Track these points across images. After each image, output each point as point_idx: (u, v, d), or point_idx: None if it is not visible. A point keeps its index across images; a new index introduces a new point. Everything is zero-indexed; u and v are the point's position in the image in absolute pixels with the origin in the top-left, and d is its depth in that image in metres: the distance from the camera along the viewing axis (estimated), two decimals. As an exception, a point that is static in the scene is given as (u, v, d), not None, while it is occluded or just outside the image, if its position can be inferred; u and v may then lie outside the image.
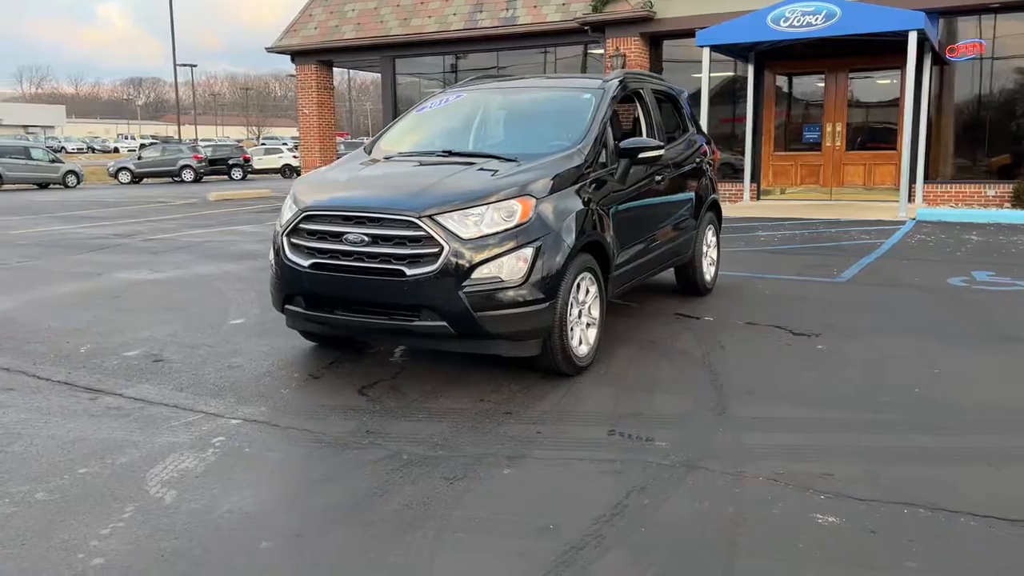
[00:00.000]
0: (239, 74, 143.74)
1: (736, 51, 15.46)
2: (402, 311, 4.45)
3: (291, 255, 4.70)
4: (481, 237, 4.37)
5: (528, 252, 4.42)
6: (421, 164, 5.16)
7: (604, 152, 5.27)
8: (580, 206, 4.82)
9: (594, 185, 5.06)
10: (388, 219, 4.43)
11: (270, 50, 21.09)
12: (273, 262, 4.86)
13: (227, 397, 4.54)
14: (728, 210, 15.18)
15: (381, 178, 5.04)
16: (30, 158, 31.46)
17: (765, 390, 4.63)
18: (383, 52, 19.90)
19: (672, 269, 6.96)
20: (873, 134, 16.11)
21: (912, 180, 14.95)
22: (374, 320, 4.52)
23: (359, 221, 4.51)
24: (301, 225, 4.70)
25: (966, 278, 7.92)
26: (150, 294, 7.63)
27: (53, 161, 32.28)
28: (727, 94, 17.30)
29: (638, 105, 6.19)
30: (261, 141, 66.82)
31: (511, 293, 4.39)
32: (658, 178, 5.97)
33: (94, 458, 3.70)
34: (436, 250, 4.33)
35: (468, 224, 4.38)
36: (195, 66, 63.31)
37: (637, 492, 3.33)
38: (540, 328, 4.52)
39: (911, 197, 14.96)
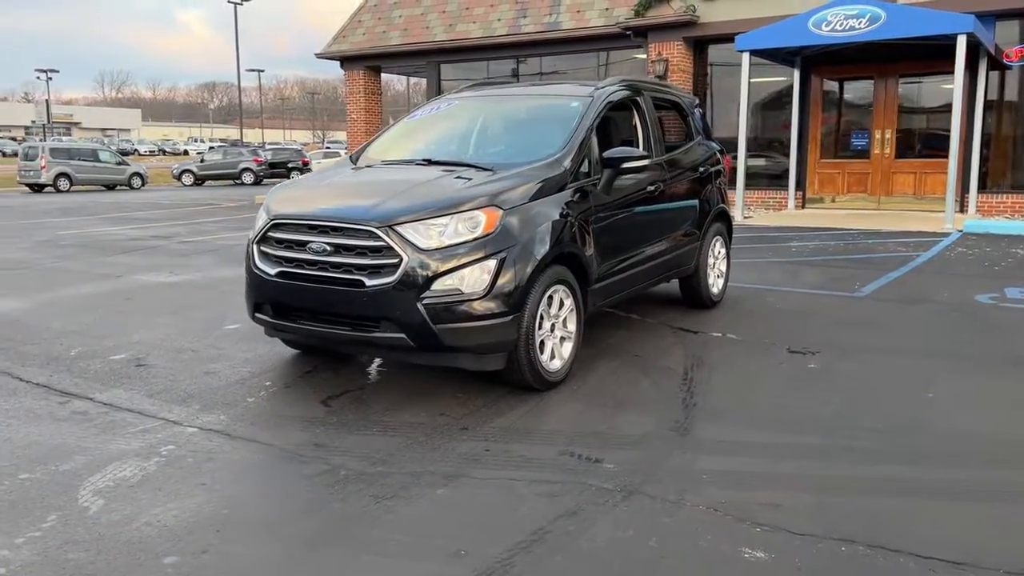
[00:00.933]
0: (308, 79, 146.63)
1: (780, 56, 15.07)
2: (363, 322, 4.40)
3: (260, 263, 4.70)
4: (443, 248, 4.29)
5: (491, 264, 4.32)
6: (396, 173, 5.11)
7: (588, 162, 5.14)
8: (555, 217, 4.71)
9: (575, 195, 4.94)
10: (350, 228, 4.38)
11: (320, 56, 21.40)
12: (245, 270, 4.87)
13: (192, 404, 4.56)
14: (769, 219, 14.81)
15: (352, 187, 5.01)
16: (98, 160, 32.55)
17: (739, 411, 4.44)
18: (429, 58, 20.01)
19: (677, 281, 6.79)
20: (926, 141, 15.52)
21: (964, 190, 14.36)
22: (336, 330, 4.48)
23: (323, 230, 4.48)
24: (269, 233, 4.69)
25: (995, 295, 7.52)
26: (160, 297, 7.76)
27: (120, 164, 33.33)
28: (774, 99, 16.88)
29: (635, 113, 6.03)
30: (326, 145, 68.02)
31: (472, 305, 4.29)
32: (651, 188, 5.80)
33: (40, 464, 3.73)
34: (395, 261, 4.26)
35: (430, 234, 4.30)
36: (263, 71, 65.10)
37: (566, 517, 3.20)
38: (503, 342, 4.42)
39: (963, 207, 14.36)
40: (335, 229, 4.43)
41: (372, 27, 20.95)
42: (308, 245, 4.50)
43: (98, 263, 10.12)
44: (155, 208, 20.44)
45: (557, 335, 4.81)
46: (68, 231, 14.33)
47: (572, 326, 4.93)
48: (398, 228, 4.29)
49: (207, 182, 35.31)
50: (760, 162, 17.00)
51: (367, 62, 21.11)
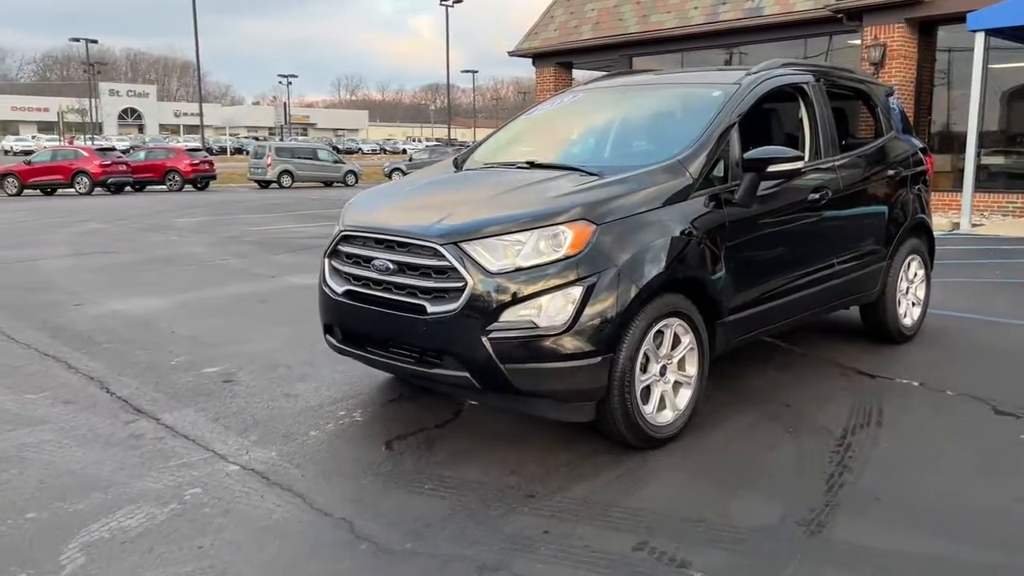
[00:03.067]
0: (524, 78, 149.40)
1: (1026, 36, 12.79)
2: (427, 355, 3.73)
3: (329, 279, 4.16)
4: (517, 271, 3.52)
5: (576, 291, 3.49)
6: (489, 178, 4.39)
7: (724, 165, 4.15)
8: (671, 233, 3.79)
9: (703, 206, 3.99)
10: (415, 245, 3.72)
11: (512, 54, 21.14)
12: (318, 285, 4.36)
13: (251, 435, 4.10)
14: (1005, 227, 12.61)
15: (433, 195, 4.34)
16: (317, 159, 34.54)
17: (900, 500, 3.32)
18: (621, 51, 19.13)
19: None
20: None
21: None
22: (400, 363, 3.84)
23: (389, 245, 3.85)
24: (339, 247, 4.14)
25: None
26: (293, 302, 7.54)
27: (336, 162, 35.19)
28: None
29: (801, 104, 4.92)
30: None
31: (550, 342, 3.49)
32: (815, 195, 4.68)
33: (56, 500, 3.38)
34: (460, 284, 3.55)
35: (502, 254, 3.55)
36: (476, 72, 66.79)
37: (608, 655, 2.34)
38: (590, 389, 3.58)
39: None
40: (400, 245, 3.79)
41: (564, 22, 20.38)
42: (372, 262, 3.90)
43: (260, 261, 10.24)
44: (352, 205, 21.06)
45: (669, 379, 3.89)
46: (257, 227, 14.91)
47: (692, 368, 3.98)
48: (464, 245, 3.57)
49: (415, 180, 36.39)
50: (998, 160, 14.63)
51: (558, 58, 20.57)
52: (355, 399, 4.63)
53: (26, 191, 27.66)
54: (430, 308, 3.61)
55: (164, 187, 29.48)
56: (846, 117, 5.91)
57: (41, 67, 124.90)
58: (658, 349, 3.81)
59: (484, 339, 3.49)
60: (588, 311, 3.49)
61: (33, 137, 67.64)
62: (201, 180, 30.67)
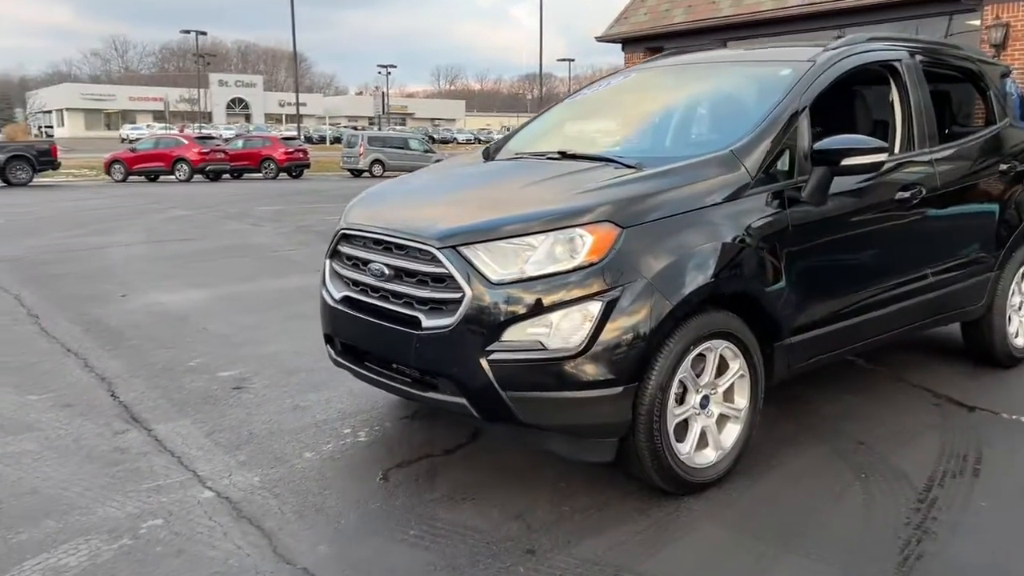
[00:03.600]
0: (622, 65, 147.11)
1: None
2: (425, 375, 3.21)
3: (328, 283, 3.70)
4: (524, 281, 2.96)
5: (594, 307, 2.91)
6: (513, 171, 3.84)
7: (790, 157, 3.48)
8: (718, 237, 3.17)
9: (761, 205, 3.33)
10: (412, 247, 3.21)
11: (600, 39, 20.38)
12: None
13: (240, 454, 3.69)
14: None
15: (445, 190, 3.81)
16: (408, 148, 34.63)
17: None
18: (714, 35, 18.09)
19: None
20: None
21: None
22: (396, 383, 3.33)
23: (387, 247, 3.35)
24: (339, 247, 3.67)
25: None
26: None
27: (427, 151, 35.16)
28: None
29: (892, 86, 4.16)
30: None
31: (561, 368, 2.92)
32: (905, 193, 3.93)
33: (3, 527, 3.03)
34: (457, 295, 3.01)
35: (508, 260, 3.00)
36: (573, 60, 65.89)
37: None
38: (609, 424, 3.00)
39: None
40: (398, 247, 3.28)
41: (655, 6, 19.49)
42: (369, 265, 3.41)
43: (321, 253, 9.94)
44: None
45: (712, 412, 3.27)
46: (333, 216, 14.67)
47: (742, 400, 3.34)
48: (464, 249, 3.03)
49: (504, 169, 36.09)
50: None
51: (648, 43, 19.68)
52: (365, 415, 4.17)
53: (131, 177, 28.62)
54: (425, 322, 3.10)
55: (260, 175, 29.99)
56: (951, 102, 5.08)
57: (159, 59, 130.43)
58: (698, 377, 3.20)
59: (483, 361, 2.95)
60: (608, 331, 2.91)
61: (148, 126, 70.52)
62: (295, 168, 31.11)
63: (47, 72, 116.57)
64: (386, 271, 3.29)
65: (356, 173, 32.59)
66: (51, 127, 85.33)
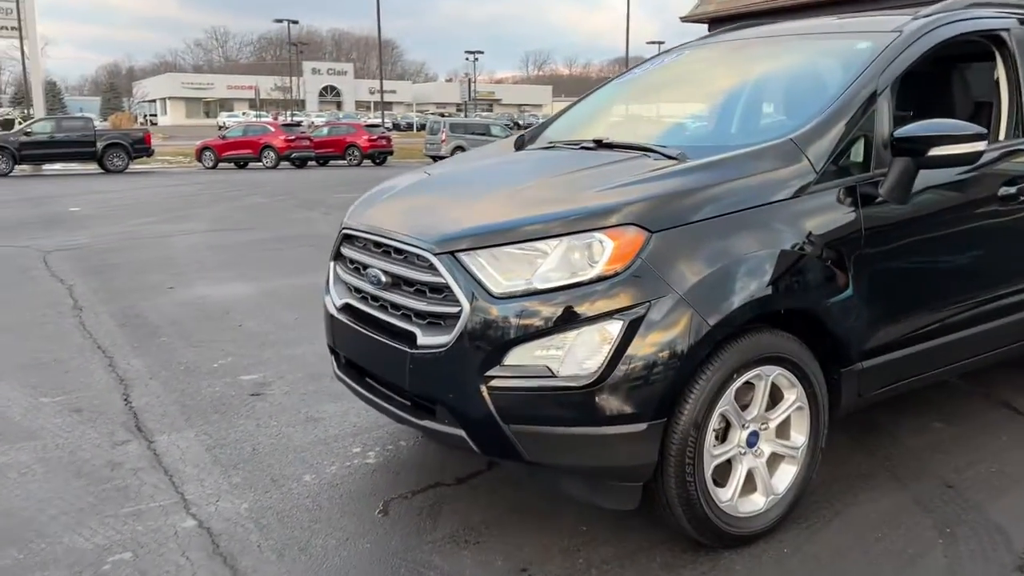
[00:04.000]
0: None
1: None
2: (422, 400, 2.79)
3: (332, 288, 3.31)
4: (531, 294, 2.50)
5: (613, 327, 2.43)
6: (539, 163, 3.37)
7: (865, 145, 2.90)
8: (772, 243, 2.64)
9: (828, 203, 2.78)
10: (410, 252, 2.78)
11: (685, 19, 19.53)
12: (328, 294, 3.52)
13: (236, 474, 3.37)
14: None
15: (460, 185, 3.35)
16: (489, 135, 34.27)
17: None
18: (804, 13, 17.05)
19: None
20: None
21: None
22: (391, 406, 2.92)
23: (386, 251, 2.94)
24: (342, 249, 3.28)
25: None
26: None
27: (508, 137, 34.86)
28: None
29: (999, 62, 3.51)
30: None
31: (574, 399, 2.45)
32: (1011, 189, 3.29)
33: (-39, 554, 2.78)
34: (455, 309, 2.58)
35: (514, 269, 2.54)
36: (662, 43, 64.17)
37: None
38: (630, 467, 2.52)
39: None
40: (397, 251, 2.86)
41: (745, -17, 18.52)
42: (367, 270, 3.01)
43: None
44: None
45: (762, 452, 2.75)
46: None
47: (799, 435, 2.81)
48: (463, 256, 2.59)
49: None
50: None
51: (734, 23, 18.74)
52: (380, 431, 3.79)
53: (220, 164, 29.25)
54: (420, 338, 2.67)
55: (344, 162, 30.21)
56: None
57: (257, 48, 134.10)
58: (744, 410, 2.68)
59: (482, 388, 2.51)
60: (630, 356, 2.42)
61: (243, 113, 72.43)
62: (379, 155, 31.21)
63: (154, 63, 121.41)
64: (383, 278, 2.87)
65: (438, 159, 32.56)
66: (155, 115, 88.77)
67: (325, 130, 33.35)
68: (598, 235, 2.50)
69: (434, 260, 2.63)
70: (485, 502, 3.10)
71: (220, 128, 62.90)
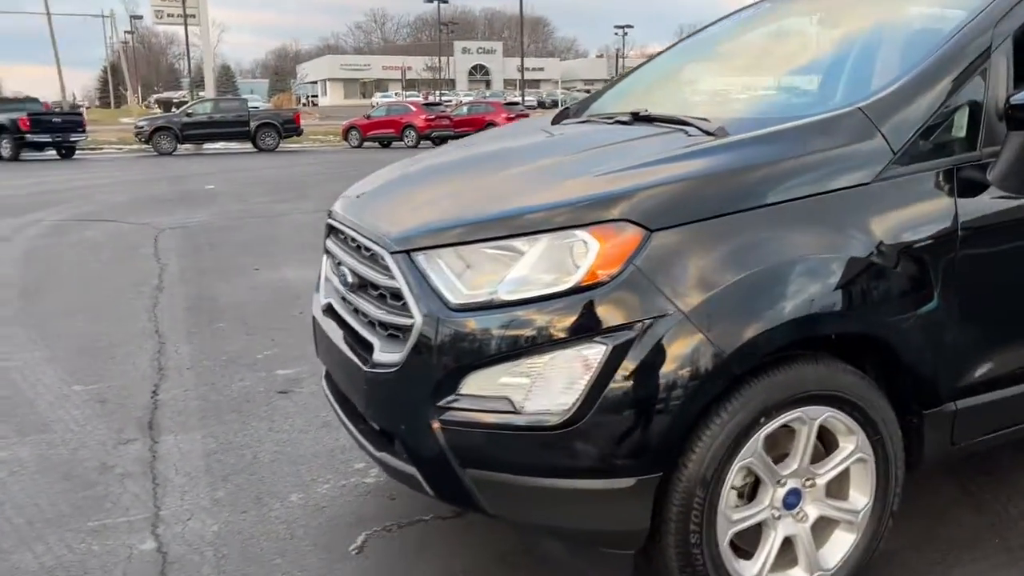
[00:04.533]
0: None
1: None
2: (381, 427, 2.33)
3: (321, 287, 2.91)
4: (495, 306, 1.97)
5: (593, 352, 1.87)
6: (563, 141, 2.81)
7: (967, 117, 2.18)
8: (822, 246, 2.00)
9: (909, 192, 2.11)
10: (376, 250, 2.31)
11: None
12: (325, 290, 3.12)
13: (222, 488, 3.06)
14: None
15: (467, 168, 2.82)
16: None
17: None
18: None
19: None
20: None
21: None
22: (354, 430, 2.46)
23: (357, 247, 2.48)
24: (326, 242, 2.86)
25: None
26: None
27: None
28: None
29: None
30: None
31: (544, 441, 1.92)
32: None
33: (-92, 565, 2.59)
34: (408, 322, 2.09)
35: (477, 274, 2.03)
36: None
37: None
38: (615, 533, 1.97)
39: None
40: (366, 248, 2.40)
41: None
42: (339, 268, 2.58)
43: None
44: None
45: (806, 515, 2.11)
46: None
47: (861, 496, 2.15)
48: (417, 256, 2.09)
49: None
50: None
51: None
52: (396, 443, 3.37)
53: (365, 144, 29.96)
54: (376, 354, 2.21)
55: (481, 140, 30.18)
56: None
57: (413, 29, 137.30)
58: (779, 462, 2.06)
59: (433, 421, 2.02)
60: (615, 390, 1.87)
61: (396, 94, 74.29)
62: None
63: (318, 45, 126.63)
64: (350, 278, 2.43)
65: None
66: (315, 96, 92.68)
67: (465, 109, 33.45)
68: (580, 233, 1.94)
69: (388, 260, 2.16)
70: (474, 543, 2.62)
71: (373, 107, 64.91)
